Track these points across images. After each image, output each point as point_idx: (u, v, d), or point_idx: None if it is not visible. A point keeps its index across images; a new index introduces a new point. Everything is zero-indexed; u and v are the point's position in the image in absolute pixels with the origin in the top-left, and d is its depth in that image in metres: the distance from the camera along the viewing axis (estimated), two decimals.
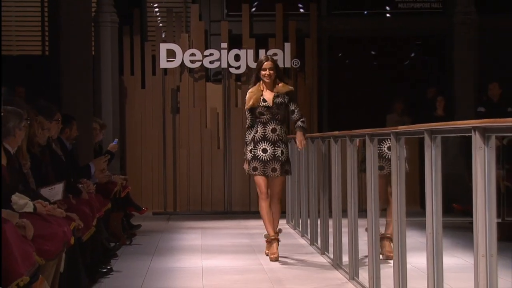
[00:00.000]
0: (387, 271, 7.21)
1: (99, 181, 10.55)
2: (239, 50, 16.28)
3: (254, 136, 10.20)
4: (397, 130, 6.76)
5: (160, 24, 17.38)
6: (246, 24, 16.63)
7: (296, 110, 10.25)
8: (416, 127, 6.34)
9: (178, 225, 14.61)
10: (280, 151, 10.12)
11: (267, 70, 10.20)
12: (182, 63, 16.44)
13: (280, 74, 10.42)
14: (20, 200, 6.42)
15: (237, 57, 16.25)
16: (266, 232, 10.20)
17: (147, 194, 16.39)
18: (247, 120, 10.39)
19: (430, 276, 5.78)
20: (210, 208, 16.55)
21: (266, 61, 10.29)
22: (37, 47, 17.88)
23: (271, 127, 10.18)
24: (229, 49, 16.41)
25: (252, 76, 10.62)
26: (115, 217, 11.28)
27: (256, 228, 13.32)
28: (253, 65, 14.68)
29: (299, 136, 10.12)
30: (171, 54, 16.42)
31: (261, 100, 10.19)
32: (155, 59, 16.62)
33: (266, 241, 10.18)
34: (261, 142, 10.15)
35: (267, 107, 10.16)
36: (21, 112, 6.97)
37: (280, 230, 10.26)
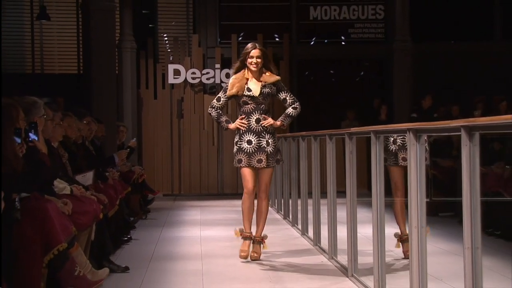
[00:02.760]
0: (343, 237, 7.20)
1: (121, 170, 10.53)
2: (229, 69, 16.22)
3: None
4: (350, 131, 6.76)
5: (169, 50, 17.34)
6: (234, 50, 16.61)
7: (288, 97, 7.79)
8: (365, 129, 6.33)
9: (182, 204, 14.59)
10: (265, 142, 7.65)
11: (255, 58, 7.71)
12: (185, 80, 16.47)
13: (267, 63, 7.83)
14: (60, 185, 6.39)
15: (227, 75, 16.17)
16: (242, 227, 7.82)
17: (159, 180, 16.35)
18: (215, 103, 7.88)
19: (375, 242, 5.78)
20: (207, 190, 16.54)
21: (254, 49, 7.77)
22: (74, 67, 17.81)
23: (255, 117, 7.68)
24: (221, 68, 16.44)
25: (236, 62, 8.02)
26: (134, 198, 11.26)
27: None
28: None
29: (273, 121, 7.72)
30: (176, 72, 16.43)
31: (246, 89, 7.69)
32: (164, 76, 16.63)
33: (241, 236, 7.75)
34: (246, 134, 7.68)
35: (252, 96, 7.68)
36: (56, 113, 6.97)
37: (265, 236, 7.86)
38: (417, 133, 4.84)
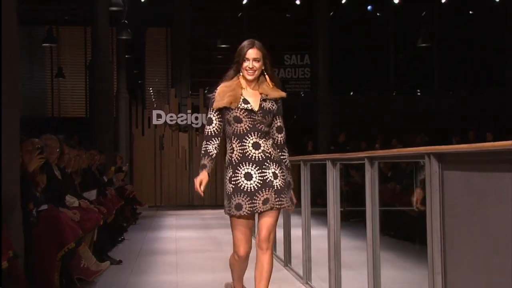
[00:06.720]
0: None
1: (117, 186, 10.43)
2: (198, 114, 16.27)
3: (231, 156, 3.94)
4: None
5: (153, 99, 17.28)
6: (201, 99, 16.57)
7: (281, 130, 4.26)
8: (296, 158, 6.36)
9: (163, 213, 14.48)
10: (271, 174, 3.90)
11: (251, 61, 3.96)
12: (165, 121, 16.37)
13: (268, 68, 4.05)
14: (71, 199, 6.31)
15: (196, 118, 16.23)
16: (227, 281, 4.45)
17: (145, 195, 16.18)
18: (209, 129, 4.04)
19: (303, 238, 5.79)
20: (181, 202, 16.42)
21: (251, 48, 3.97)
22: (83, 112, 17.71)
23: (251, 141, 3.94)
24: (192, 113, 16.40)
25: (229, 71, 4.06)
26: (126, 208, 11.15)
27: (208, 215, 13.22)
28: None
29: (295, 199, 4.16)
30: (159, 116, 16.33)
31: (241, 100, 3.97)
32: (149, 119, 16.54)
33: None
34: (242, 165, 3.91)
35: (249, 110, 3.96)
36: (72, 149, 6.89)
37: None
38: (334, 161, 4.87)
